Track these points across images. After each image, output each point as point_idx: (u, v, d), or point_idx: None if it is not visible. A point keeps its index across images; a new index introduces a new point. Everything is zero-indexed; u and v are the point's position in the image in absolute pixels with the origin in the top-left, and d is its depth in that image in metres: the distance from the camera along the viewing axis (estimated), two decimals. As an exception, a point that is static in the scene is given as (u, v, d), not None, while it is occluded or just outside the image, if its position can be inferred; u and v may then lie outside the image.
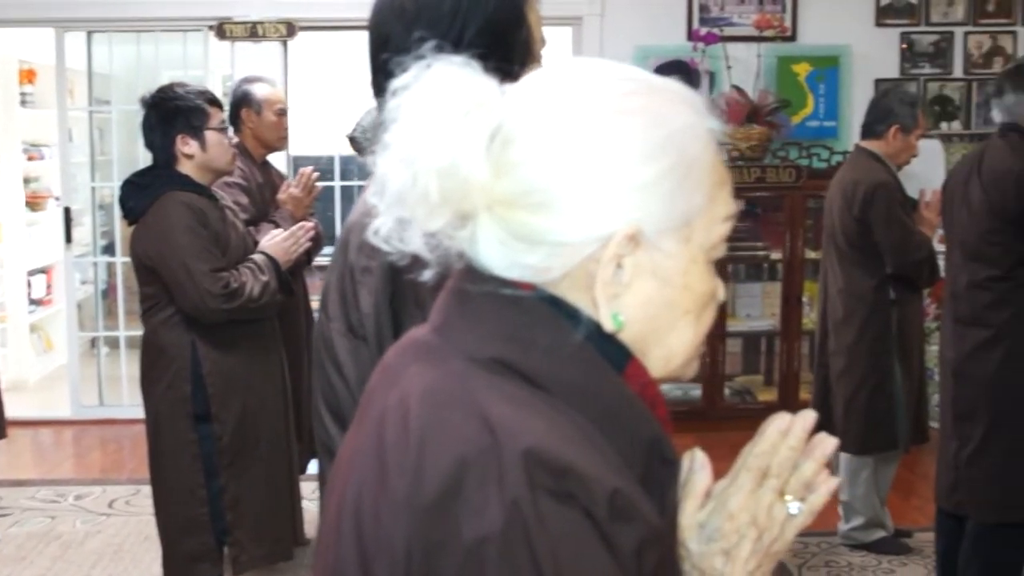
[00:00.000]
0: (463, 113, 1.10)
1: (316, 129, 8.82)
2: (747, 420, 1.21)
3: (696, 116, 1.16)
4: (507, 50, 1.77)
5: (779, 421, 1.23)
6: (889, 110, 5.01)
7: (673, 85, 1.18)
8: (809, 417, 1.23)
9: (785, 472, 1.23)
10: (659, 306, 1.14)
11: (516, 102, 1.13)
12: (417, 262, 1.14)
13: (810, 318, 6.75)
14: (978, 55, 7.45)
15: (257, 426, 4.10)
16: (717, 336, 6.94)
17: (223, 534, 4.08)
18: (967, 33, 7.44)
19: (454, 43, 1.74)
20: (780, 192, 6.87)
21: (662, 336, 1.16)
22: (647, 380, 1.16)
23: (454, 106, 1.10)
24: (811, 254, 6.71)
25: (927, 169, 6.45)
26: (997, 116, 4.26)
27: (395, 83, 1.13)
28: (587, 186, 1.09)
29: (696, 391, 7.11)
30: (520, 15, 1.84)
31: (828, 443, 1.23)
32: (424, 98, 1.11)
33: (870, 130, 5.07)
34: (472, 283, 1.15)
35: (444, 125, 1.09)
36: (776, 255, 7.05)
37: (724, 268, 6.91)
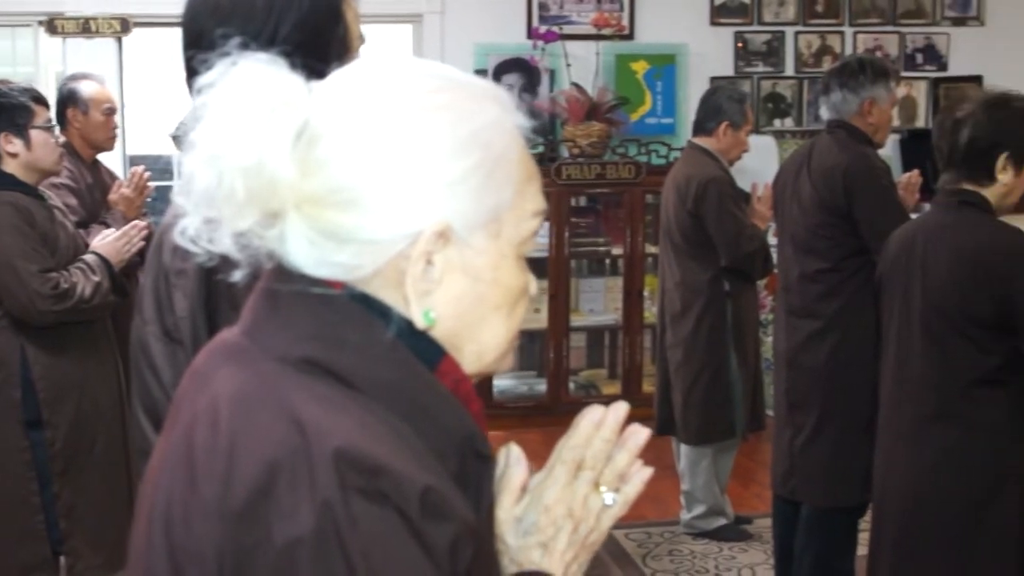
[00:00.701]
0: (268, 111, 1.08)
1: (154, 128, 8.63)
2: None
3: (502, 112, 1.17)
4: (323, 47, 1.76)
5: (592, 414, 1.25)
6: (718, 107, 5.13)
7: (479, 81, 1.19)
8: (621, 409, 1.25)
9: (599, 464, 1.25)
10: (470, 302, 1.15)
11: (323, 100, 1.13)
12: (228, 263, 1.12)
13: (651, 312, 6.84)
14: (808, 54, 7.66)
15: (91, 431, 4.00)
16: (561, 331, 7.01)
17: (58, 543, 3.98)
18: (798, 33, 7.63)
19: (269, 39, 1.72)
20: (620, 188, 6.95)
21: (474, 332, 1.17)
22: (460, 376, 1.17)
23: (259, 104, 1.08)
24: (651, 249, 6.80)
25: (761, 164, 6.60)
26: (825, 113, 4.39)
27: (200, 81, 1.12)
28: (395, 183, 1.09)
29: (541, 386, 7.17)
30: (336, 12, 1.83)
31: (641, 434, 1.26)
32: (228, 96, 1.09)
33: (701, 127, 5.18)
34: (282, 283, 1.14)
35: (249, 123, 1.08)
36: (617, 250, 7.13)
37: (567, 264, 6.99)
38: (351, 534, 1.00)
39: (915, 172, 4.64)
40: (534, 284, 1.22)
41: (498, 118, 1.16)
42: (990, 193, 3.15)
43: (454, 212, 1.11)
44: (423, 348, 1.14)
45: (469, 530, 1.07)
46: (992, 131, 3.10)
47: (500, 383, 7.16)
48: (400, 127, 1.11)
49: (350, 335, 1.11)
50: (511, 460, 1.26)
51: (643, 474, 1.26)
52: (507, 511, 1.25)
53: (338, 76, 1.16)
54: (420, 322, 1.13)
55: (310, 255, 1.11)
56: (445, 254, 1.12)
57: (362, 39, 1.91)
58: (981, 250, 3.05)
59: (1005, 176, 3.13)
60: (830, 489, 4.25)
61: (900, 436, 3.26)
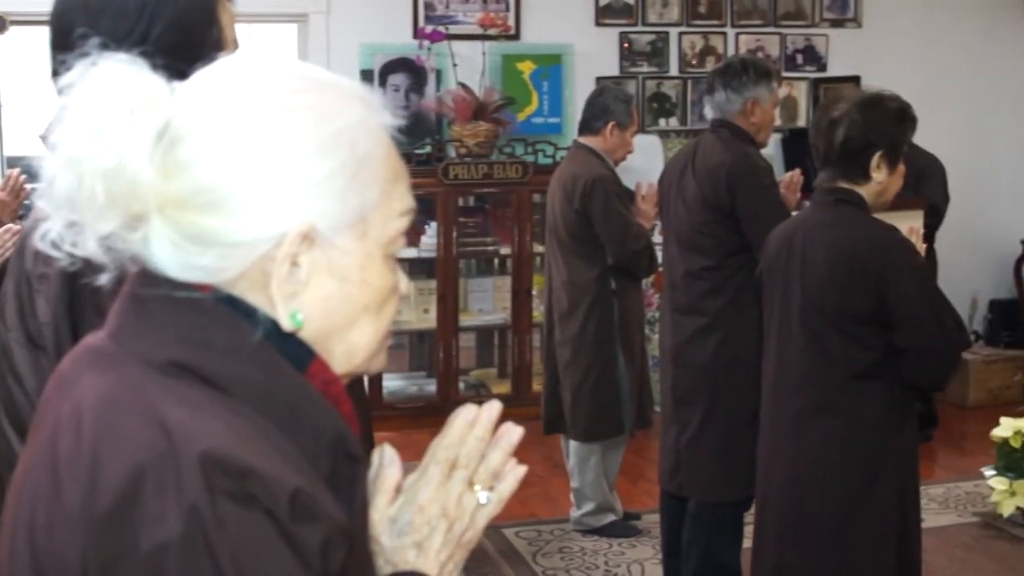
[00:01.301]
0: (127, 112, 1.07)
1: (34, 128, 8.44)
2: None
3: (368, 111, 1.17)
4: (195, 49, 1.73)
5: (465, 413, 1.26)
6: (605, 107, 5.16)
7: (344, 81, 1.18)
8: (494, 408, 1.26)
9: (473, 463, 1.25)
10: (338, 303, 1.15)
11: (185, 100, 1.11)
12: (91, 267, 1.10)
13: (540, 311, 6.86)
14: (692, 55, 7.75)
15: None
16: (450, 331, 7.01)
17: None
18: (681, 33, 7.71)
19: (140, 39, 1.70)
20: (507, 188, 6.97)
21: (343, 332, 1.16)
22: (330, 377, 1.16)
23: (118, 105, 1.07)
24: (539, 248, 6.82)
25: (647, 164, 6.67)
26: (709, 113, 4.46)
27: (61, 82, 1.10)
28: (258, 185, 1.09)
29: (431, 386, 7.16)
30: (211, 14, 1.81)
31: (514, 432, 1.26)
32: (87, 97, 1.08)
33: (587, 126, 5.21)
34: (146, 287, 1.12)
35: (108, 124, 1.06)
36: (505, 250, 7.14)
37: (455, 264, 6.99)
38: (219, 537, 0.99)
39: (797, 171, 4.72)
40: (404, 283, 1.22)
41: (363, 118, 1.15)
42: (865, 191, 3.22)
43: (319, 213, 1.11)
44: (291, 349, 1.13)
45: (341, 531, 1.06)
46: (866, 130, 3.17)
47: (390, 384, 7.14)
48: (263, 128, 1.10)
49: (217, 338, 1.10)
50: (385, 461, 1.26)
51: (517, 472, 1.27)
52: (381, 512, 1.25)
53: (200, 77, 1.15)
54: (286, 324, 1.12)
55: (174, 258, 1.10)
56: (311, 255, 1.11)
57: (236, 43, 1.89)
58: (857, 248, 3.11)
59: (879, 174, 3.20)
60: (716, 484, 4.31)
61: (781, 431, 3.31)
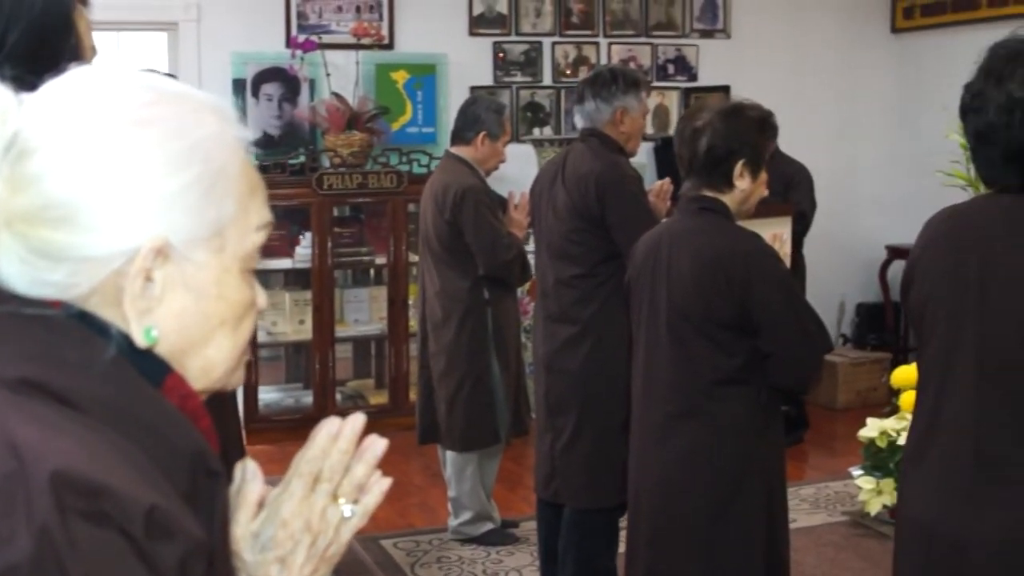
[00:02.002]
0: None
1: None
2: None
3: (223, 124, 1.15)
4: (53, 57, 1.70)
5: (329, 426, 1.25)
6: (477, 117, 5.18)
7: (199, 94, 1.17)
8: (358, 420, 1.26)
9: (337, 476, 1.25)
10: (193, 318, 1.13)
11: (34, 112, 1.09)
12: None
13: (416, 320, 6.88)
14: (565, 64, 7.82)
15: None
16: (326, 342, 6.97)
17: None
18: (555, 43, 7.79)
19: None
20: (383, 197, 6.97)
21: (200, 348, 1.15)
22: (188, 392, 1.15)
23: None
24: (415, 257, 6.80)
25: (521, 173, 6.68)
26: (579, 122, 4.49)
27: None
28: (109, 199, 1.07)
29: (308, 398, 7.11)
30: (67, 22, 1.78)
31: (378, 445, 1.26)
32: None
33: (459, 136, 5.23)
34: None
35: None
36: (381, 259, 7.14)
37: (331, 274, 6.95)
38: (71, 558, 0.97)
39: (666, 180, 4.76)
40: (262, 297, 1.21)
41: (218, 131, 1.14)
42: (729, 199, 3.27)
43: (173, 227, 1.09)
44: (147, 365, 1.12)
45: (199, 548, 1.05)
46: (728, 139, 3.21)
47: (265, 396, 7.07)
48: (113, 141, 1.08)
49: (69, 354, 1.08)
50: (247, 475, 1.25)
51: (382, 485, 1.27)
52: (244, 527, 1.23)
53: (50, 88, 1.12)
54: (140, 340, 1.10)
55: (23, 274, 1.08)
56: (165, 270, 1.10)
57: (94, 51, 1.86)
58: (721, 256, 3.16)
59: (742, 183, 3.25)
60: (590, 491, 4.34)
61: (650, 437, 3.35)
